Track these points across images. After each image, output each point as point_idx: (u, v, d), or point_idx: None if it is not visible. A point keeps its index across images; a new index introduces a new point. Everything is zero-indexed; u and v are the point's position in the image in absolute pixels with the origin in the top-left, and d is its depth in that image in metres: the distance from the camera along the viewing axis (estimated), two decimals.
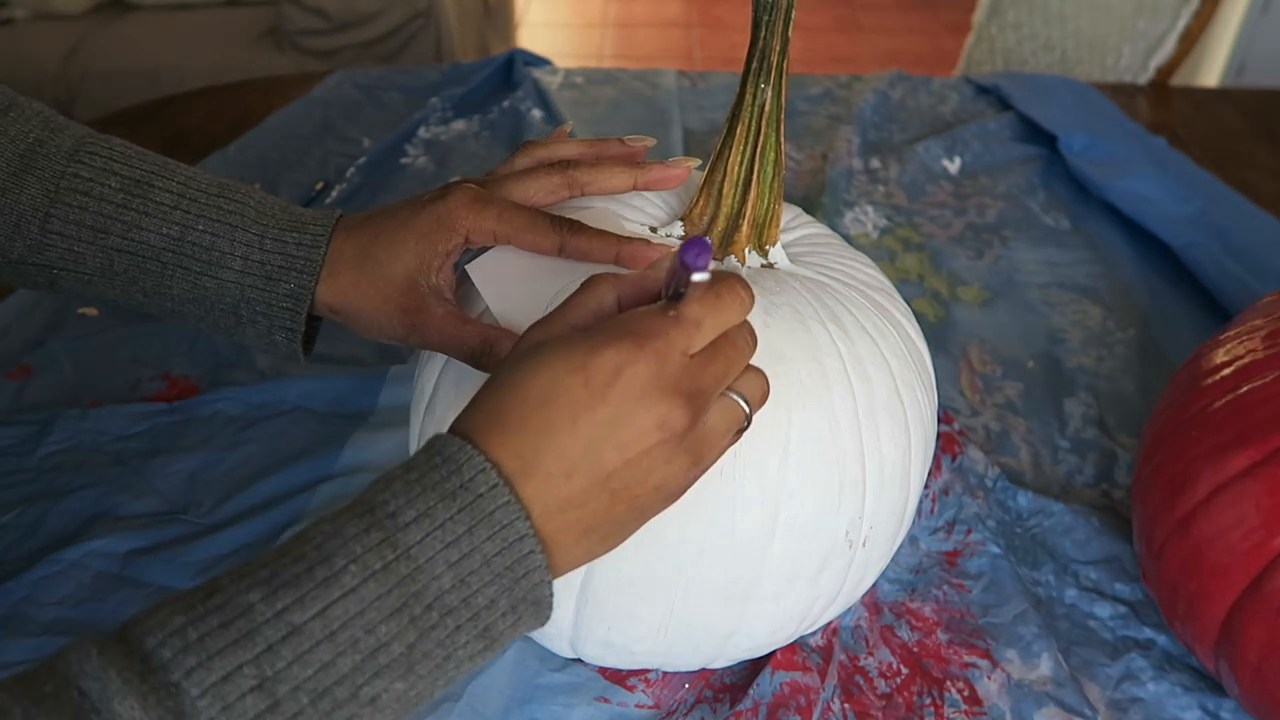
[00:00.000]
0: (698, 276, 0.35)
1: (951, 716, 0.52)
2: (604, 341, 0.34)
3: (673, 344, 0.35)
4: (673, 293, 0.37)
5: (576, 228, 0.46)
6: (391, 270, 0.46)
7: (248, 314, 0.48)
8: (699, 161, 0.50)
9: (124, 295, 0.49)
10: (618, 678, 0.53)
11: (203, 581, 0.31)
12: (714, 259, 0.49)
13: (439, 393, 0.48)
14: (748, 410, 0.38)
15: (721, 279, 0.37)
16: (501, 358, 0.44)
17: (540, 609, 0.35)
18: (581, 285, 0.39)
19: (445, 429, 0.47)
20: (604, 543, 0.37)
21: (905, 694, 0.53)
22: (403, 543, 0.32)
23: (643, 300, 0.39)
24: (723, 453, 0.38)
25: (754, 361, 0.44)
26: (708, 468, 0.38)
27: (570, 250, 0.46)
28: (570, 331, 0.36)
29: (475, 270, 0.47)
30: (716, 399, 0.37)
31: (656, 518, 0.43)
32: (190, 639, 0.29)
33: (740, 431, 0.39)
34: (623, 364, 0.34)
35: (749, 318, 0.39)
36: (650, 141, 0.51)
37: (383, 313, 0.47)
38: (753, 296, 0.38)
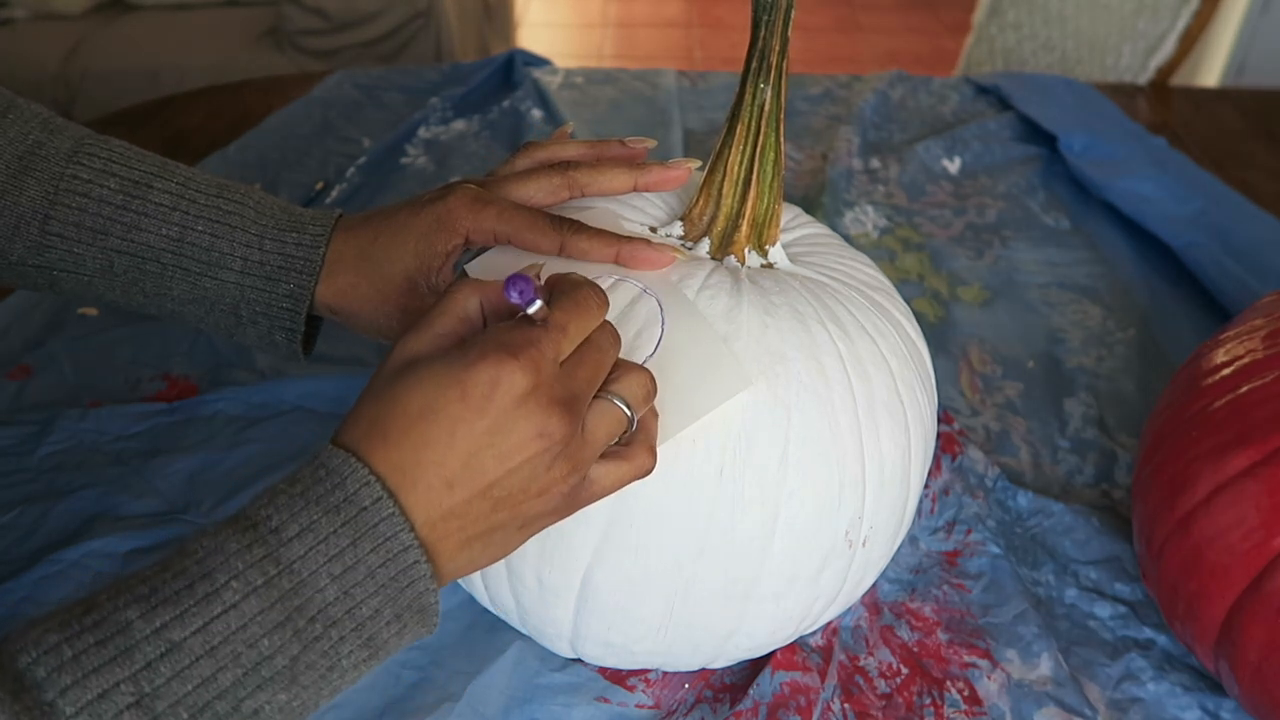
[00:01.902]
0: (534, 309, 0.36)
1: (951, 716, 0.52)
2: (479, 355, 0.35)
3: (544, 352, 0.35)
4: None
5: (576, 227, 0.46)
6: (391, 271, 0.46)
7: (248, 314, 0.48)
8: (699, 163, 0.50)
9: (124, 296, 0.49)
10: (618, 678, 0.53)
11: (79, 598, 0.31)
12: (714, 258, 0.49)
13: None
14: (629, 413, 0.39)
15: (575, 285, 0.38)
16: None
17: (426, 616, 0.35)
18: (445, 293, 0.39)
19: None
20: (488, 551, 0.37)
21: (905, 694, 0.53)
22: (286, 558, 0.32)
23: (503, 305, 0.39)
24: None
25: (753, 361, 0.44)
26: (586, 472, 0.38)
27: (570, 250, 0.46)
28: (440, 341, 0.37)
29: (475, 270, 0.47)
30: (594, 403, 0.38)
31: (657, 518, 0.43)
32: (65, 657, 0.29)
33: (625, 434, 0.39)
34: (499, 376, 0.34)
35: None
36: (651, 143, 0.51)
37: (382, 313, 0.47)
38: (606, 300, 0.39)
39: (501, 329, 0.36)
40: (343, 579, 0.33)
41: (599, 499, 0.39)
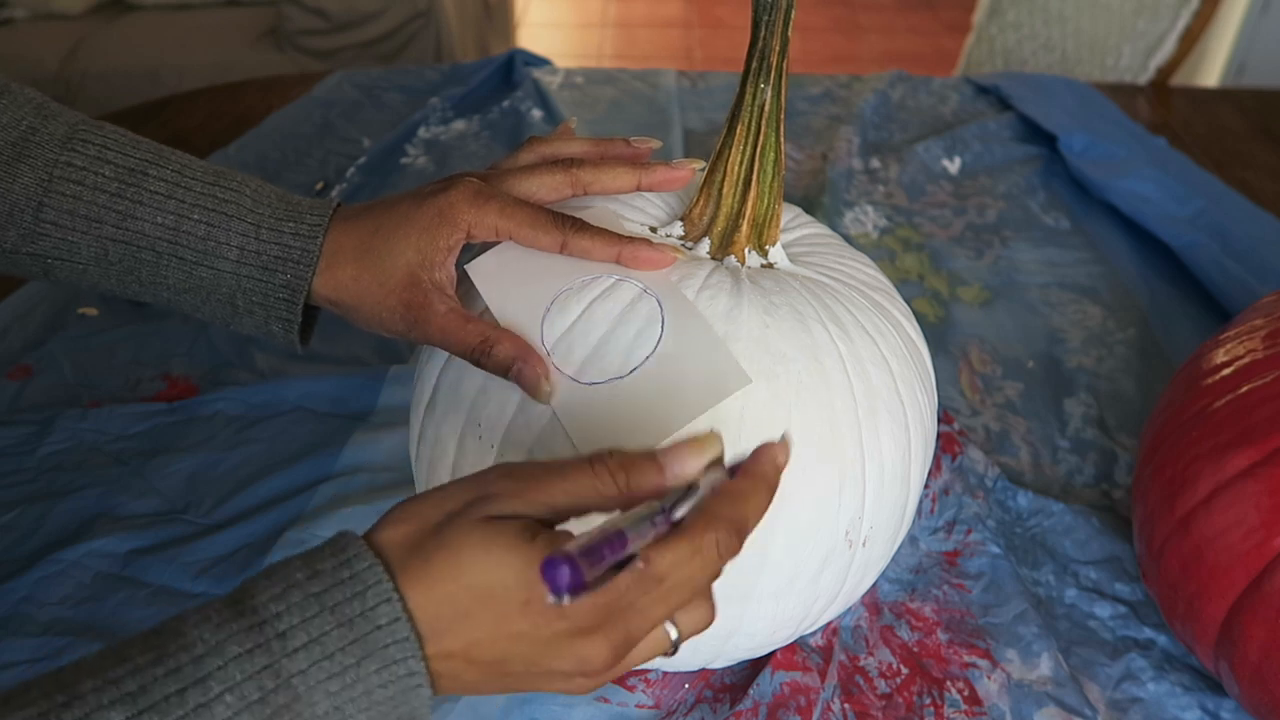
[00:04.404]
0: (627, 548, 0.32)
1: (951, 716, 0.52)
2: None
3: (624, 598, 0.33)
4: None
5: (578, 226, 0.45)
6: (392, 265, 0.46)
7: (244, 304, 0.48)
8: (703, 163, 0.50)
9: (119, 285, 0.48)
10: (618, 678, 0.53)
11: (68, 669, 0.29)
12: (714, 259, 0.49)
13: (439, 393, 0.48)
14: (675, 639, 0.37)
15: (702, 530, 0.34)
16: (500, 359, 0.44)
17: None
18: (577, 467, 0.35)
19: (444, 430, 0.47)
20: (488, 690, 0.35)
21: (905, 694, 0.53)
22: (286, 670, 0.30)
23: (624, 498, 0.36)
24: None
25: (753, 361, 0.44)
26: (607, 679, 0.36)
27: (572, 248, 0.45)
28: (537, 507, 0.34)
29: (475, 270, 0.47)
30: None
31: None
32: None
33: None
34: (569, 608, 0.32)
35: None
36: (656, 143, 0.51)
37: (384, 306, 0.47)
38: (735, 549, 0.35)
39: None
40: (339, 695, 0.31)
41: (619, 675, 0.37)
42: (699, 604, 0.37)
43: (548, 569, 0.30)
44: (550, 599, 0.30)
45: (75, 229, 0.46)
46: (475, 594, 0.32)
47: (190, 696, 0.29)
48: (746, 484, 0.36)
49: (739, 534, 0.35)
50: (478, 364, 0.45)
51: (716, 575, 0.35)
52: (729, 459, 0.37)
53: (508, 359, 0.44)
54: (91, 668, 0.29)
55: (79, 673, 0.29)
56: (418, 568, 0.32)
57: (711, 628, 0.46)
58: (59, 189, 0.46)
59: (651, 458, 0.36)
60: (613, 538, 0.32)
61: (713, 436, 0.37)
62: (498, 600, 0.32)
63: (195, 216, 0.46)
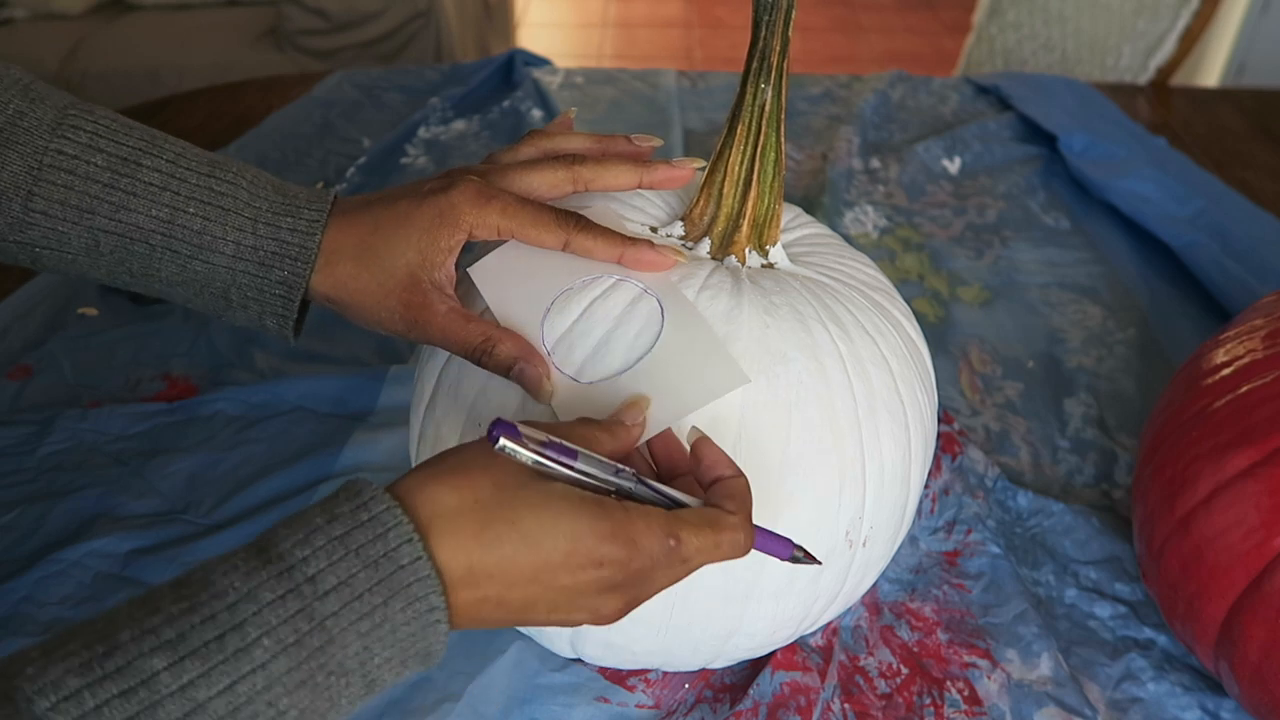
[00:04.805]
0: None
1: (951, 716, 0.52)
2: (609, 534, 0.36)
3: (653, 568, 0.37)
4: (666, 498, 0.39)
5: (583, 225, 0.45)
6: (393, 264, 0.45)
7: (238, 299, 0.47)
8: (704, 162, 0.49)
9: (110, 275, 0.47)
10: (618, 678, 0.53)
11: (99, 621, 0.30)
12: (714, 259, 0.49)
13: (439, 392, 0.48)
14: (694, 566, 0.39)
15: (729, 529, 0.38)
16: (501, 358, 0.44)
17: (430, 659, 0.35)
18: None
19: (444, 430, 0.47)
20: (499, 625, 0.37)
21: (905, 694, 0.53)
22: (320, 613, 0.31)
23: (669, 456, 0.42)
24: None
25: (753, 361, 0.44)
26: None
27: (574, 247, 0.45)
28: (588, 497, 0.37)
29: (477, 273, 0.47)
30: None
31: None
32: (87, 707, 0.28)
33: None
34: (604, 560, 0.35)
35: None
36: (657, 141, 0.51)
37: (383, 306, 0.46)
38: (746, 550, 0.39)
39: (642, 520, 0.36)
40: (368, 636, 0.32)
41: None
42: (686, 571, 0.40)
43: (497, 424, 0.35)
44: (489, 442, 0.35)
45: (66, 219, 0.45)
46: (525, 540, 0.35)
47: (229, 642, 0.30)
48: (747, 483, 0.40)
49: (751, 533, 0.39)
50: (479, 364, 0.45)
51: (738, 554, 0.39)
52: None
53: (509, 359, 0.44)
54: (127, 617, 0.30)
55: (113, 624, 0.30)
56: (466, 527, 0.34)
57: (711, 628, 0.47)
58: (49, 178, 0.44)
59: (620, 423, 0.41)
60: (566, 450, 0.36)
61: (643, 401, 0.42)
62: (543, 549, 0.35)
63: (191, 210, 0.45)
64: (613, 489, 0.38)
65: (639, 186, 0.49)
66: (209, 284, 0.46)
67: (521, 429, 0.35)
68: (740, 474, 0.40)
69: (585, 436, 0.39)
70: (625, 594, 0.37)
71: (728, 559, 0.38)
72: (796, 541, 0.41)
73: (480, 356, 0.45)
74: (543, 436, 0.36)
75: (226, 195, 0.46)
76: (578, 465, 0.37)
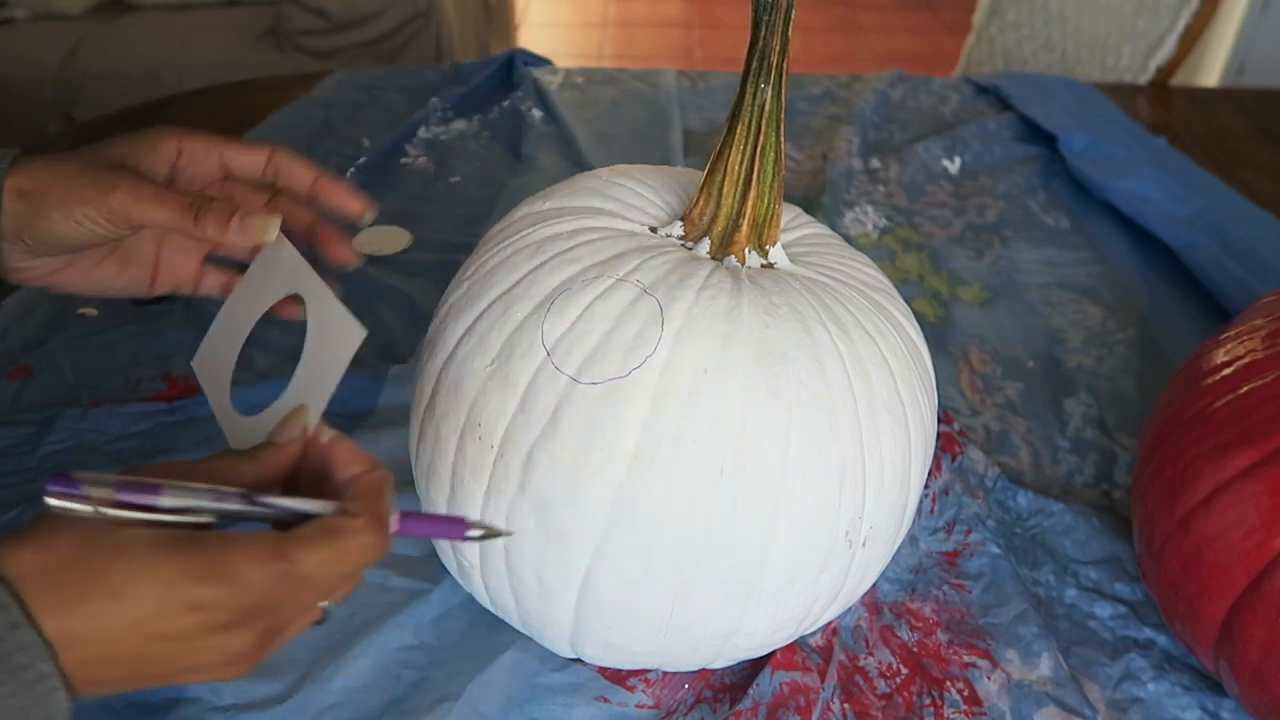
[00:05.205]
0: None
1: (951, 717, 0.52)
2: (199, 574, 0.33)
3: (272, 598, 0.34)
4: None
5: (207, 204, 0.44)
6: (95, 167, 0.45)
7: None
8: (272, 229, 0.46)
9: None
10: (618, 678, 0.53)
11: None
12: (714, 259, 0.49)
13: (439, 393, 0.48)
14: (325, 606, 0.37)
15: (349, 535, 0.35)
16: (208, 226, 0.43)
17: None
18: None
19: (444, 430, 0.47)
20: (131, 688, 0.35)
21: (905, 694, 0.53)
22: None
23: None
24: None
25: (753, 360, 0.44)
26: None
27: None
28: (176, 536, 0.34)
29: (196, 366, 0.46)
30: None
31: (658, 518, 0.43)
32: None
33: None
34: (201, 603, 0.33)
35: None
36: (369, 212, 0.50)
37: (76, 187, 0.44)
38: (383, 547, 0.37)
39: (239, 553, 0.34)
40: None
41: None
42: (348, 582, 0.38)
43: (51, 480, 0.32)
44: (46, 499, 0.32)
45: None
46: (113, 599, 0.32)
47: None
48: (382, 476, 0.38)
49: (383, 533, 0.37)
50: (188, 231, 0.44)
51: (364, 566, 0.37)
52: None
53: (225, 210, 0.43)
54: None
55: None
56: (49, 591, 0.32)
57: (711, 628, 0.47)
58: None
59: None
60: (145, 488, 0.33)
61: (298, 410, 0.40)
62: (134, 605, 0.32)
63: None
64: (214, 519, 0.35)
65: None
66: None
67: (82, 477, 0.32)
68: (376, 467, 0.38)
69: (214, 469, 0.37)
70: (251, 630, 0.34)
71: (360, 565, 0.36)
72: (470, 519, 0.40)
73: (186, 223, 0.44)
74: (112, 480, 0.33)
75: None
76: (162, 503, 0.34)
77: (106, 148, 0.46)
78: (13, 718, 0.31)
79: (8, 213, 0.44)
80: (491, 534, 0.40)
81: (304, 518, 0.36)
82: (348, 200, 0.50)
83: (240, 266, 0.48)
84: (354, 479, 0.38)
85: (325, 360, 0.42)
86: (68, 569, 0.32)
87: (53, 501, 0.32)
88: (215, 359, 0.46)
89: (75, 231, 0.44)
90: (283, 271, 0.45)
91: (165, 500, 0.34)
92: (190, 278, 0.52)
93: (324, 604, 0.37)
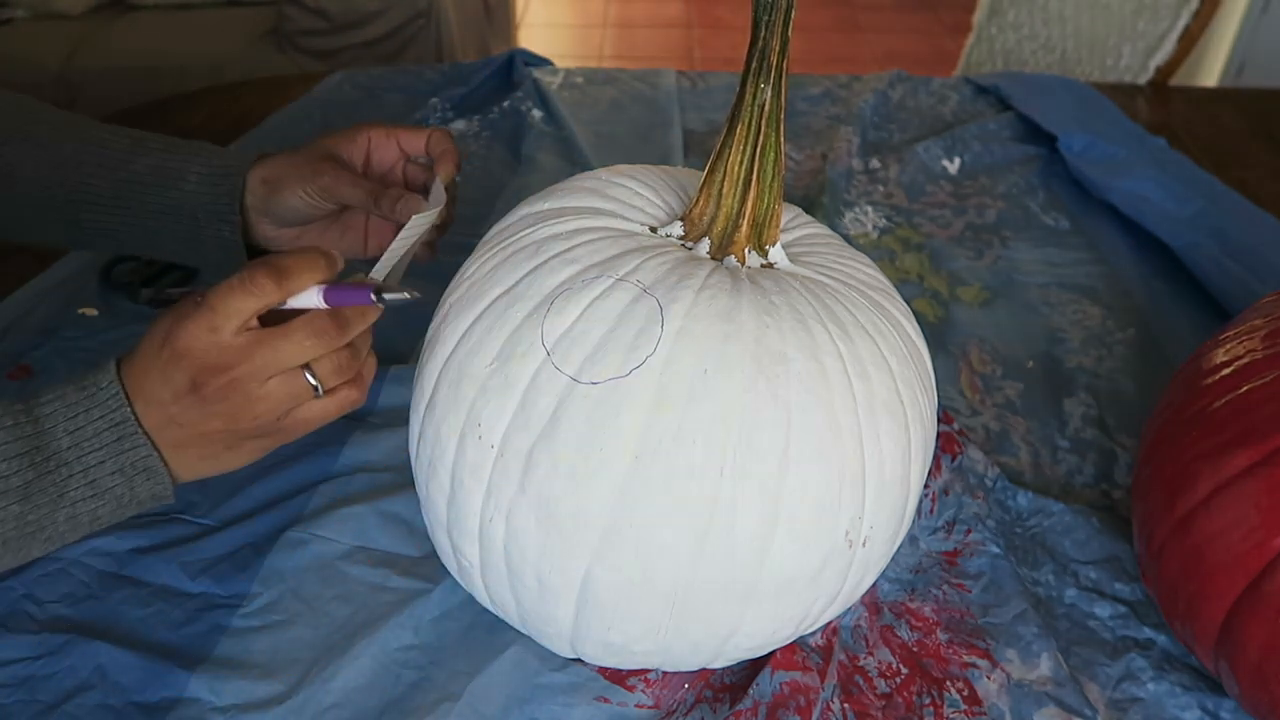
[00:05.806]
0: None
1: (951, 716, 0.52)
2: (162, 345, 0.46)
3: (240, 354, 0.45)
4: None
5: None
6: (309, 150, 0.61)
7: (204, 217, 0.60)
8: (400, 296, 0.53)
9: (108, 213, 0.61)
10: (618, 677, 0.53)
11: None
12: (714, 259, 0.49)
13: (439, 393, 0.48)
14: (315, 385, 0.47)
15: (341, 323, 0.47)
16: (382, 204, 0.58)
17: (153, 475, 0.46)
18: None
19: (444, 430, 0.47)
20: (205, 460, 0.48)
21: (905, 694, 0.53)
22: (36, 412, 0.45)
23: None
24: (281, 405, 0.47)
25: (753, 360, 0.44)
26: (266, 414, 0.47)
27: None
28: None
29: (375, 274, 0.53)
30: (289, 374, 0.47)
31: (658, 518, 0.43)
32: None
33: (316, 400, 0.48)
34: (175, 353, 0.45)
35: None
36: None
37: (301, 175, 0.60)
38: (333, 335, 0.47)
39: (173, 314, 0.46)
40: (75, 434, 0.44)
41: (308, 430, 0.49)
42: (335, 356, 0.48)
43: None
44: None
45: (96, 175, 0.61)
46: (160, 351, 0.45)
47: None
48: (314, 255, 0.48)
49: (340, 325, 0.47)
50: (376, 204, 0.59)
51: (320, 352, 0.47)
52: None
53: (394, 195, 0.58)
54: None
55: None
56: (128, 356, 0.46)
57: (711, 627, 0.47)
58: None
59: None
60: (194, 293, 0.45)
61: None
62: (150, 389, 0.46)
63: (173, 164, 0.61)
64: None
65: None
66: (181, 208, 0.60)
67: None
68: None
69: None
70: (211, 388, 0.45)
71: (249, 313, 0.45)
72: (380, 284, 0.47)
73: (370, 203, 0.59)
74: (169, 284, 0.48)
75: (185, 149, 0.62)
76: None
77: (322, 140, 0.61)
78: (96, 422, 0.45)
79: (256, 195, 0.60)
80: (397, 297, 0.47)
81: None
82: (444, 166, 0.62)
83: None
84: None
85: (419, 223, 0.53)
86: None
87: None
88: (390, 262, 0.54)
89: (301, 205, 0.60)
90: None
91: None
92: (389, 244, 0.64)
93: (313, 381, 0.47)
